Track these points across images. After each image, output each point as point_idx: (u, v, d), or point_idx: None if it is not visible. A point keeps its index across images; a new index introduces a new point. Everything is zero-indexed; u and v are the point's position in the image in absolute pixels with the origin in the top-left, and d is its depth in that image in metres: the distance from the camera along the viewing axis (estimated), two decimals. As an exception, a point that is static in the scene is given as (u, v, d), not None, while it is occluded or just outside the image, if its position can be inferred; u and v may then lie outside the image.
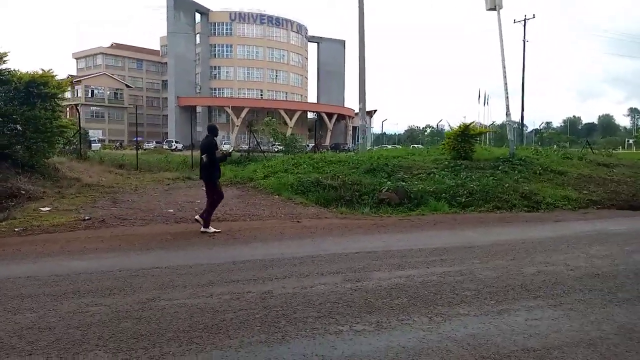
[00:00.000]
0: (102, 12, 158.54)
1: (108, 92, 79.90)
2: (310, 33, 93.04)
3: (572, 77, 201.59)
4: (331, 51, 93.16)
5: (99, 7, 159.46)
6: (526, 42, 34.03)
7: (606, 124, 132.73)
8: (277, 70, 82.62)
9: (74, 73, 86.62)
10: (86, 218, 9.06)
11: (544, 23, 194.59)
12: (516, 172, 15.32)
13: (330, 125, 79.07)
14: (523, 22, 34.28)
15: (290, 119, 73.13)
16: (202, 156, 8.43)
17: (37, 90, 12.42)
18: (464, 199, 12.83)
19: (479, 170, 15.16)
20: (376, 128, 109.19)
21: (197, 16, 77.06)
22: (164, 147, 61.86)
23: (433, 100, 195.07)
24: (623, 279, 5.09)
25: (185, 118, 73.81)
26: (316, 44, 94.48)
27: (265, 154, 20.05)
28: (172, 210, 10.13)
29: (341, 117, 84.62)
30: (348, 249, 6.51)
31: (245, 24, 79.10)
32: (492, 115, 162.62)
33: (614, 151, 28.71)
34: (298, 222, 9.13)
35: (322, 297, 4.42)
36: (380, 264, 5.73)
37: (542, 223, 9.66)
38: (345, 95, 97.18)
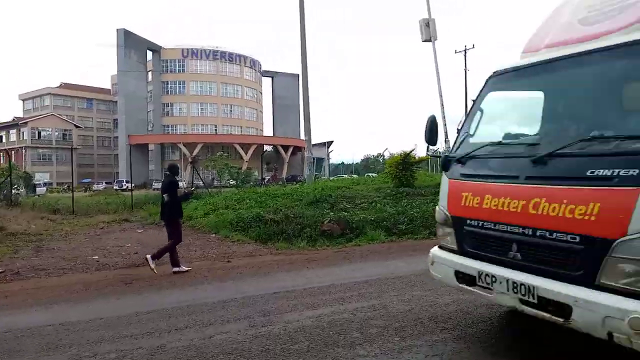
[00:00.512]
0: (50, 52, 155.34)
1: (56, 134, 77.54)
2: (264, 68, 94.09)
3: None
4: (286, 85, 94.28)
5: (48, 46, 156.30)
6: (467, 71, 35.56)
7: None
8: (231, 105, 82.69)
9: (21, 115, 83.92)
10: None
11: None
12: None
13: (286, 158, 79.30)
14: (463, 52, 35.91)
15: (246, 153, 72.90)
16: (164, 195, 8.36)
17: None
18: (404, 227, 12.91)
19: (421, 197, 15.33)
20: (334, 158, 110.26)
21: (149, 54, 76.64)
22: (115, 187, 60.23)
23: (391, 128, 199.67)
24: None
25: (136, 157, 72.29)
26: (270, 78, 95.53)
27: (209, 191, 19.61)
28: (96, 257, 9.61)
29: (297, 149, 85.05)
30: (267, 290, 6.26)
31: (198, 60, 79.20)
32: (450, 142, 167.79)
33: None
34: (228, 262, 8.82)
35: (218, 348, 4.15)
36: (295, 304, 5.50)
37: None
38: (301, 127, 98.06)
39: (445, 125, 16.91)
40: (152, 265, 7.93)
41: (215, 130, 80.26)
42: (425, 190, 16.14)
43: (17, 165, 57.07)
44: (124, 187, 58.14)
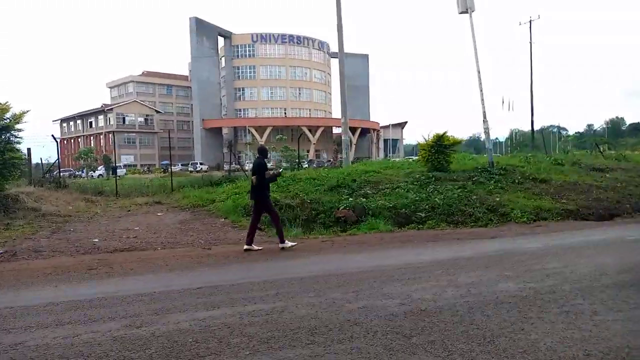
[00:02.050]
0: (137, 42, 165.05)
1: (139, 119, 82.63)
2: (333, 49, 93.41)
3: (618, 74, 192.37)
4: (355, 66, 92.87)
5: (134, 36, 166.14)
6: (532, 44, 32.53)
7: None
8: (299, 88, 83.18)
9: (108, 102, 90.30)
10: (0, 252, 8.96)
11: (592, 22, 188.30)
12: (492, 182, 14.40)
13: (354, 140, 78.48)
14: (529, 23, 32.87)
15: (314, 135, 73.17)
16: (252, 177, 8.77)
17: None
18: (423, 214, 12.15)
19: (452, 183, 14.35)
20: (408, 140, 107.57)
21: (220, 40, 78.89)
22: (189, 169, 63.27)
23: (461, 109, 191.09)
24: (445, 317, 4.23)
25: (211, 140, 75.30)
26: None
27: (246, 173, 19.72)
28: (97, 240, 9.90)
29: (366, 130, 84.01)
30: (195, 285, 5.82)
31: (267, 45, 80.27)
32: (517, 121, 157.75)
33: (631, 152, 26.78)
34: (209, 249, 8.69)
35: (59, 350, 3.84)
36: (197, 302, 5.01)
37: (466, 241, 8.75)
38: (370, 109, 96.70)
39: (483, 104, 15.60)
40: (289, 245, 8.52)
41: (285, 113, 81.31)
42: (459, 175, 15.08)
43: (90, 149, 61.70)
44: (199, 169, 60.91)
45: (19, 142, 13.63)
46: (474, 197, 13.06)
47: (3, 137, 12.95)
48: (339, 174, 16.08)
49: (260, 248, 8.53)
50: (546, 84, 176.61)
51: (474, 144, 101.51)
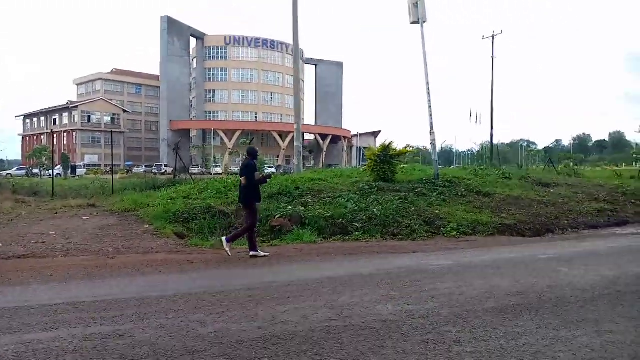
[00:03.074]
0: (108, 39, 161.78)
1: (105, 117, 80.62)
2: (308, 55, 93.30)
3: (584, 93, 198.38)
4: (329, 73, 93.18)
5: (103, 34, 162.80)
6: (494, 59, 32.82)
7: (617, 140, 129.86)
8: (272, 93, 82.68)
9: (75, 99, 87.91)
10: None
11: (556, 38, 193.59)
12: (435, 194, 14.18)
13: (324, 147, 78.40)
14: (491, 37, 33.16)
15: (283, 141, 72.68)
16: (241, 179, 8.50)
17: None
18: (359, 225, 11.83)
19: (395, 193, 14.08)
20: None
21: (193, 41, 77.82)
22: (153, 171, 61.88)
23: (444, 119, 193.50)
24: (293, 345, 3.80)
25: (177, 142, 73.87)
26: (314, 65, 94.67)
27: (193, 177, 19.11)
28: (0, 245, 9.19)
29: (337, 138, 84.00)
30: (57, 300, 5.20)
31: (241, 47, 79.54)
32: (485, 133, 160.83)
33: (592, 167, 27.26)
34: (112, 259, 8.10)
35: None
36: (40, 321, 4.45)
37: (381, 256, 8.40)
38: (343, 116, 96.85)
39: (430, 115, 15.42)
40: (227, 248, 8.18)
41: (256, 117, 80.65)
42: (403, 186, 14.82)
43: (45, 147, 59.58)
44: (163, 171, 59.59)
45: None
46: (413, 208, 12.81)
47: None
48: (284, 181, 15.65)
49: (266, 254, 8.23)
50: (521, 97, 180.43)
51: (446, 155, 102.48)
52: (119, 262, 7.79)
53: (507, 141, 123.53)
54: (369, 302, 4.86)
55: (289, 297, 5.17)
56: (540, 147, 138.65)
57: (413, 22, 15.41)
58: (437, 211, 12.80)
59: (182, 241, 10.06)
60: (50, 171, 52.38)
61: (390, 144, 15.35)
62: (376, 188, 14.36)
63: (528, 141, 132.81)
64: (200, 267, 7.59)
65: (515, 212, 13.14)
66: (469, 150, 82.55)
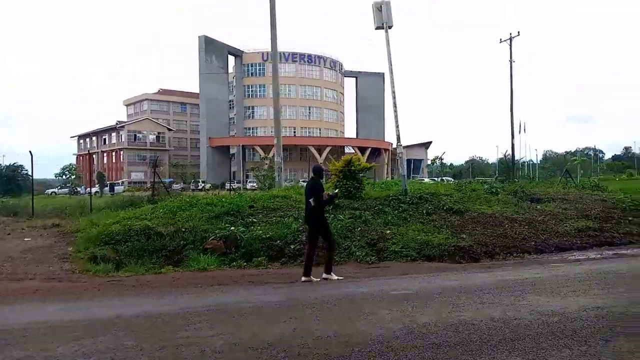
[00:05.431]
0: (153, 60, 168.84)
1: (151, 136, 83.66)
2: (349, 68, 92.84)
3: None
4: (370, 85, 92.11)
5: (151, 55, 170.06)
6: (513, 62, 30.45)
7: None
8: (310, 107, 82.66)
9: (125, 119, 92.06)
10: None
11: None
12: (397, 212, 12.95)
13: (363, 159, 77.13)
14: (509, 40, 30.83)
15: (320, 155, 72.16)
16: (310, 200, 7.78)
17: None
18: (294, 247, 10.94)
19: (352, 211, 13.01)
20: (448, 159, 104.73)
21: (231, 59, 79.47)
22: (191, 187, 63.16)
23: (492, 129, 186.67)
24: None
25: (217, 158, 75.27)
26: (354, 78, 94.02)
27: (170, 195, 18.78)
28: None
29: (377, 150, 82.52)
30: None
31: (278, 63, 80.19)
32: (531, 143, 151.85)
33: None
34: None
35: None
36: None
37: (247, 287, 7.34)
38: (385, 128, 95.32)
39: (397, 127, 14.25)
40: (334, 278, 7.73)
41: (294, 132, 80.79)
42: (366, 203, 13.68)
43: (72, 166, 61.73)
44: (200, 187, 60.80)
45: None
46: (360, 229, 11.71)
47: None
48: (240, 199, 14.95)
49: (317, 279, 7.60)
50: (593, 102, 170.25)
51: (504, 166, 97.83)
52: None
53: (572, 149, 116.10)
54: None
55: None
56: (609, 155, 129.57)
57: (378, 28, 14.37)
58: (388, 231, 11.62)
59: (79, 267, 9.48)
60: (88, 190, 55.12)
61: (352, 158, 14.28)
62: (335, 206, 13.32)
63: (594, 149, 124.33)
64: (50, 299, 6.94)
65: (479, 232, 11.69)
66: (529, 160, 78.01)
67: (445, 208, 13.30)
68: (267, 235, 11.45)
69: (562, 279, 6.26)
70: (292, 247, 11.04)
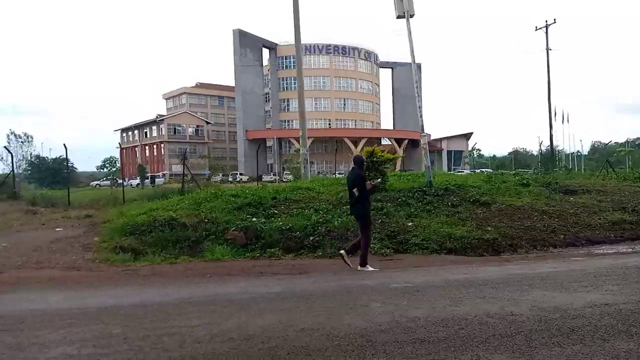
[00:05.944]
0: (192, 55, 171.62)
1: (189, 129, 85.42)
2: (385, 59, 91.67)
3: None
4: (406, 75, 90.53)
5: (190, 50, 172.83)
6: (549, 51, 29.03)
7: None
8: (345, 99, 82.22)
9: (164, 112, 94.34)
10: None
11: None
12: (421, 204, 12.69)
13: (400, 151, 76.14)
14: (545, 28, 29.40)
15: (355, 147, 71.75)
16: (353, 190, 7.94)
17: None
18: (315, 239, 10.91)
19: (375, 203, 12.81)
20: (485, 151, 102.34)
21: (265, 51, 79.91)
22: (229, 179, 64.20)
23: (525, 122, 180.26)
24: None
25: (254, 151, 76.03)
26: (390, 69, 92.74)
27: (200, 186, 19.08)
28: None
29: (415, 142, 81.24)
30: None
31: (312, 55, 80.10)
32: (574, 133, 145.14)
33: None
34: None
35: None
36: None
37: (253, 279, 7.27)
38: (424, 119, 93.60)
39: (421, 116, 13.92)
40: (348, 260, 7.82)
41: (329, 124, 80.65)
42: (390, 195, 13.47)
43: (113, 159, 63.20)
44: (238, 180, 61.74)
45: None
46: (380, 221, 11.53)
47: None
48: (264, 190, 15.01)
49: (376, 269, 7.65)
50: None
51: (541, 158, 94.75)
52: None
53: (622, 140, 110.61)
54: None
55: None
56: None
57: (399, 17, 14.03)
58: (409, 223, 11.40)
59: (100, 257, 9.72)
60: (131, 182, 56.89)
61: (374, 148, 14.05)
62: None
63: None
64: (60, 286, 7.14)
65: (505, 224, 11.28)
66: (577, 151, 75.27)
67: (471, 200, 12.92)
68: (287, 227, 11.44)
69: (577, 274, 5.92)
70: (311, 238, 10.99)
